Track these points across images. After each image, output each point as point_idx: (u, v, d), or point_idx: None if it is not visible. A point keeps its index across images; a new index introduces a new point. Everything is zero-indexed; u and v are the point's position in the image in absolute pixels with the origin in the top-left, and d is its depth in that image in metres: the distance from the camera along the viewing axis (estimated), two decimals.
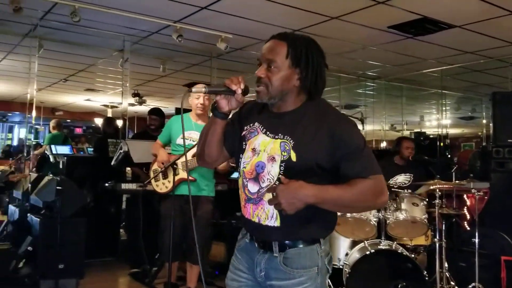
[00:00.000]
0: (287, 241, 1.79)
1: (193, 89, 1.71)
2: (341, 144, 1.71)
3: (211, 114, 1.85)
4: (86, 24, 5.80)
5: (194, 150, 3.92)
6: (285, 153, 1.74)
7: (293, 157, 1.72)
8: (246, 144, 1.87)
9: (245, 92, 1.76)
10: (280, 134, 1.78)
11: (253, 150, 1.83)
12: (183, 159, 3.92)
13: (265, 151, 1.78)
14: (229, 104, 1.78)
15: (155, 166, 4.16)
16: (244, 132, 1.91)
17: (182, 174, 3.94)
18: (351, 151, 1.71)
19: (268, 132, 1.82)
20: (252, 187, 1.81)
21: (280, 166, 1.74)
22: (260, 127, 1.86)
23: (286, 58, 1.76)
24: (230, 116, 1.88)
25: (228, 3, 5.18)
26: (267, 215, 1.78)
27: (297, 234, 1.79)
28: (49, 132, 8.49)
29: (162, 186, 4.10)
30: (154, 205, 4.25)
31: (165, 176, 4.08)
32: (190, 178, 3.95)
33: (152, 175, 4.16)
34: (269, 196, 1.71)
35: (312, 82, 1.79)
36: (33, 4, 5.22)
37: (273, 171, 1.75)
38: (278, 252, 1.79)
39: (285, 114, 1.83)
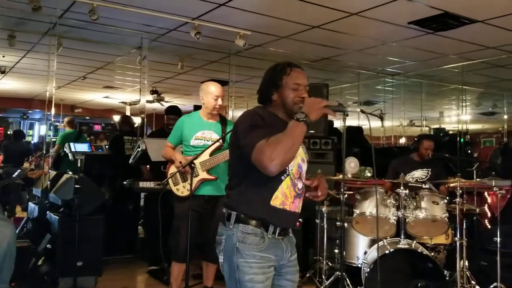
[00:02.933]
0: None
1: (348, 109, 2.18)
2: None
3: (296, 121, 2.02)
4: (104, 22, 5.83)
5: (210, 149, 3.88)
6: (306, 155, 2.34)
7: (307, 156, 2.37)
8: None
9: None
10: None
11: None
12: (200, 159, 3.84)
13: (298, 154, 2.22)
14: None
15: (172, 169, 4.00)
16: None
17: (202, 175, 3.87)
18: None
19: None
20: (300, 184, 2.24)
21: (307, 164, 2.32)
22: None
23: None
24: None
25: (246, 0, 5.14)
26: (301, 205, 2.28)
27: None
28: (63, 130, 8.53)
29: (183, 189, 3.95)
30: (172, 204, 4.20)
31: (184, 179, 3.95)
32: (211, 177, 3.87)
33: (170, 179, 4.00)
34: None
35: None
36: (52, 3, 5.25)
37: (306, 169, 2.31)
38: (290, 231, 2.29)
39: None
